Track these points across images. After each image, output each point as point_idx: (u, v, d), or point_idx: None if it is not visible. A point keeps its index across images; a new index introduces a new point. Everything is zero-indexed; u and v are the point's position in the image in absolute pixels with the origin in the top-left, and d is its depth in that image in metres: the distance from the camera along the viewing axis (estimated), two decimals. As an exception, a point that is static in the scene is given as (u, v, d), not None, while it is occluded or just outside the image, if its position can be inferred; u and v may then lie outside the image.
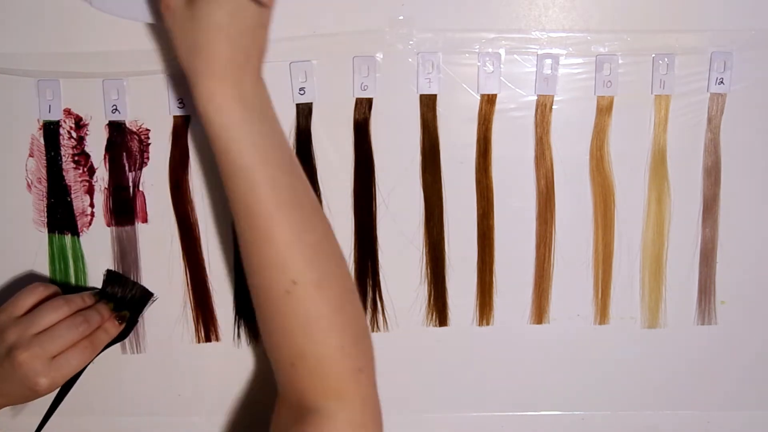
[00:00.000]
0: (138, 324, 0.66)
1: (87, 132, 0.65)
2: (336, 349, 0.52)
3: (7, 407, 0.60)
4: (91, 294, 0.62)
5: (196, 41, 0.50)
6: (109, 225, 0.66)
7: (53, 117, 0.64)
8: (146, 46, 0.62)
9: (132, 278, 0.66)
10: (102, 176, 0.65)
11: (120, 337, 0.62)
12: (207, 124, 0.51)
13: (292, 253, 0.51)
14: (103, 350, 0.60)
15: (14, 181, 0.65)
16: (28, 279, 0.66)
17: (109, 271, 0.64)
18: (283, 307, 0.52)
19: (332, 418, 0.52)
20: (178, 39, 0.52)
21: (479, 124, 0.63)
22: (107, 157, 0.65)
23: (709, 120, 0.63)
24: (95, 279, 0.66)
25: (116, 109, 0.64)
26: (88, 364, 0.59)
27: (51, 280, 0.66)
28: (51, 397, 0.61)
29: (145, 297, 0.65)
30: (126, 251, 0.66)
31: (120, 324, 0.61)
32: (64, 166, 0.65)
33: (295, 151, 0.64)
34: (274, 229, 0.51)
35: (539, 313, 0.66)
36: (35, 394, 0.57)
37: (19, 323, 0.57)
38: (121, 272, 0.65)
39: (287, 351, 0.53)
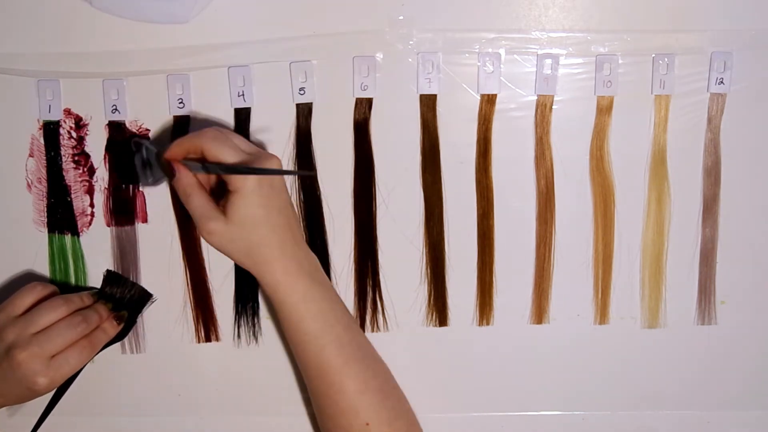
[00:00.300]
0: (137, 324, 0.66)
1: (87, 132, 0.65)
2: None
3: (5, 408, 0.60)
4: (90, 294, 0.62)
5: (250, 241, 0.56)
6: (109, 225, 0.66)
7: (53, 117, 0.64)
8: (146, 45, 0.62)
9: (131, 278, 0.66)
10: (102, 176, 0.65)
11: (118, 338, 0.62)
12: (278, 304, 0.58)
13: (363, 399, 0.58)
14: (101, 350, 0.60)
15: (14, 181, 0.65)
16: (28, 279, 0.66)
17: (108, 272, 0.64)
18: None
19: None
20: (231, 250, 0.57)
21: (479, 124, 0.64)
22: (107, 157, 0.65)
23: (709, 120, 0.63)
24: (95, 279, 0.66)
25: (116, 109, 0.64)
26: (86, 364, 0.59)
27: (50, 280, 0.66)
28: (47, 396, 0.61)
29: (143, 297, 0.65)
30: (126, 251, 0.66)
31: (118, 324, 0.61)
32: (64, 166, 0.65)
33: (295, 152, 0.64)
34: (345, 381, 0.58)
35: (539, 313, 0.66)
36: (33, 393, 0.57)
37: (18, 323, 0.57)
38: (120, 272, 0.65)
39: None
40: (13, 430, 0.67)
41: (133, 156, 0.60)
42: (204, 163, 0.55)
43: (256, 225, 0.55)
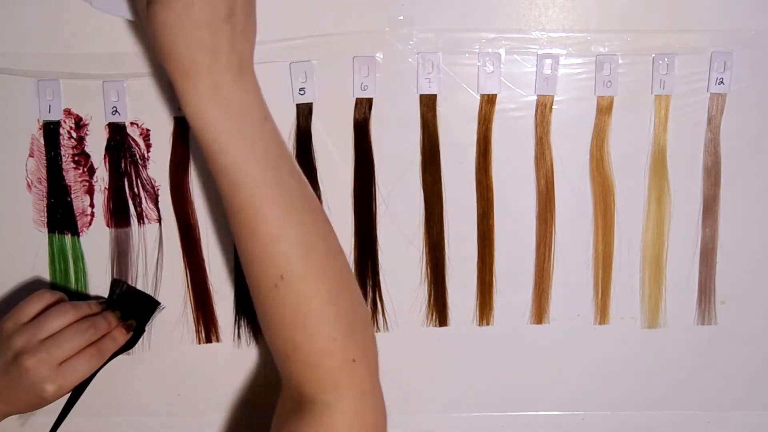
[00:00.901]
0: (145, 333, 0.66)
1: (87, 132, 0.65)
2: (327, 341, 0.52)
3: (15, 416, 0.60)
4: (98, 303, 0.62)
5: (158, 44, 0.50)
6: (108, 225, 0.66)
7: (53, 117, 0.64)
8: (146, 46, 0.62)
9: (132, 279, 0.66)
10: (102, 176, 0.65)
11: (127, 346, 0.62)
12: (189, 124, 0.51)
13: (278, 249, 0.52)
14: (110, 359, 0.60)
15: (14, 181, 0.65)
16: (28, 279, 0.66)
17: (114, 280, 0.64)
18: (272, 300, 0.52)
19: (330, 409, 0.53)
20: (151, 44, 0.51)
21: (479, 124, 0.63)
22: (107, 157, 0.65)
23: (709, 120, 0.63)
24: (95, 279, 0.66)
25: (116, 111, 0.64)
26: (96, 373, 0.59)
27: (53, 285, 0.66)
28: (59, 406, 0.61)
29: (151, 306, 0.65)
30: (126, 252, 0.66)
31: (127, 332, 0.61)
32: (64, 166, 0.65)
33: (295, 152, 0.64)
34: (259, 226, 0.51)
35: (539, 313, 0.66)
36: (42, 401, 0.57)
37: (26, 329, 0.57)
38: (126, 281, 0.65)
39: (281, 343, 0.53)
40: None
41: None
42: None
43: (163, 27, 0.49)
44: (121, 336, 0.61)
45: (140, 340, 0.65)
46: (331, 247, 0.55)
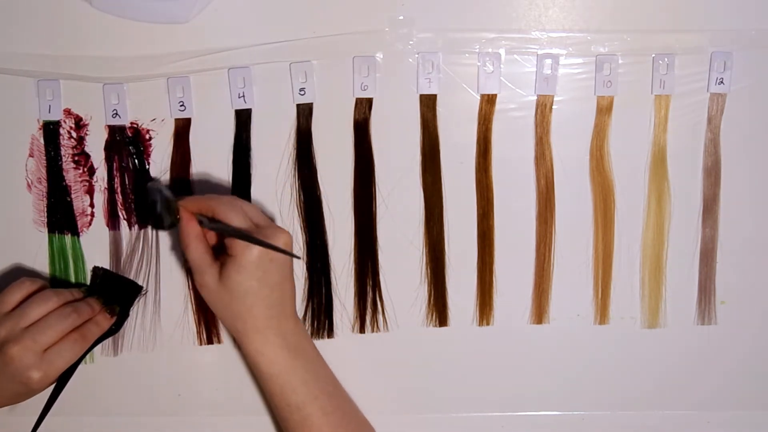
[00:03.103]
0: (129, 317, 0.66)
1: (87, 132, 0.65)
2: None
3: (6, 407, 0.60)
4: (80, 290, 0.62)
5: (235, 309, 0.57)
6: (108, 225, 0.66)
7: (53, 117, 0.64)
8: (146, 47, 0.62)
9: (126, 276, 0.66)
10: (102, 176, 0.65)
11: (111, 332, 0.62)
12: (258, 374, 0.59)
13: None
14: (95, 345, 0.60)
15: (14, 181, 0.65)
16: (26, 272, 0.66)
17: (95, 268, 0.64)
18: None
19: None
20: (217, 309, 0.58)
21: (479, 124, 0.64)
22: (107, 157, 0.65)
23: (709, 120, 0.63)
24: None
25: (117, 114, 0.64)
26: (82, 359, 0.59)
27: (51, 278, 0.66)
28: (46, 395, 0.61)
29: (134, 290, 0.65)
30: (126, 252, 0.66)
31: (111, 317, 0.61)
32: (64, 166, 0.65)
33: (295, 152, 0.64)
34: None
35: (539, 313, 0.66)
36: (28, 390, 0.57)
37: (9, 318, 0.57)
38: (107, 267, 0.65)
39: None
40: (14, 429, 0.67)
41: (151, 200, 0.59)
42: (211, 220, 0.56)
43: (245, 295, 0.56)
44: (104, 320, 0.61)
45: (124, 325, 0.65)
46: None
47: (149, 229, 0.65)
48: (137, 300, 0.65)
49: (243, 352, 0.59)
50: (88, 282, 0.66)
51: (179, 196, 0.58)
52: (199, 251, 0.57)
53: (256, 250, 0.55)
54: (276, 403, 0.59)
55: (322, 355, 0.62)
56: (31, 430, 0.62)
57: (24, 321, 0.57)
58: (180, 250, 0.64)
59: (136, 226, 0.66)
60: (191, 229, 0.57)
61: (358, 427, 0.62)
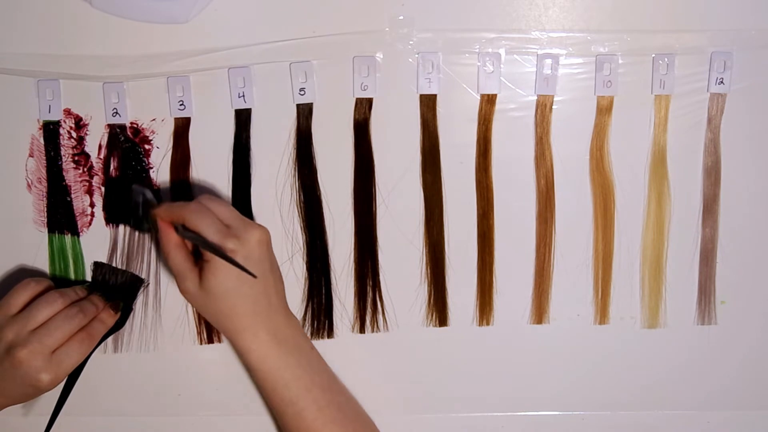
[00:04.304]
0: (134, 311, 0.66)
1: (87, 132, 0.65)
2: None
3: (20, 406, 0.60)
4: (83, 287, 0.62)
5: (219, 310, 0.57)
6: (109, 225, 0.66)
7: (53, 117, 0.64)
8: (146, 46, 0.62)
9: (126, 269, 0.66)
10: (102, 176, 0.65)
11: (116, 327, 0.62)
12: (251, 370, 0.59)
13: None
14: (101, 341, 0.60)
15: (14, 181, 0.65)
16: (29, 272, 0.66)
17: (95, 263, 0.64)
18: None
19: None
20: (203, 312, 0.59)
21: (479, 124, 0.64)
22: (107, 157, 0.65)
23: (709, 120, 0.63)
24: (95, 279, 0.66)
25: (117, 113, 0.64)
26: (89, 357, 0.59)
27: (52, 277, 0.66)
28: (57, 394, 0.61)
29: (136, 283, 0.65)
30: (126, 252, 0.66)
31: (115, 313, 0.61)
32: (64, 166, 0.65)
33: (295, 152, 0.64)
34: None
35: (539, 313, 0.66)
36: (38, 391, 0.57)
37: (15, 321, 0.57)
38: (107, 262, 0.65)
39: None
40: (27, 429, 0.67)
41: (134, 202, 0.60)
42: (184, 228, 0.56)
43: (226, 296, 0.56)
44: (109, 317, 0.61)
45: (129, 319, 0.65)
46: None
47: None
48: (140, 293, 0.65)
49: (235, 350, 0.59)
50: (89, 278, 0.66)
51: (159, 203, 0.59)
52: (178, 258, 0.57)
53: (231, 250, 0.55)
54: (270, 399, 0.59)
55: (317, 349, 0.62)
56: (44, 430, 0.62)
57: (31, 324, 0.57)
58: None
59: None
60: (169, 237, 0.57)
61: (356, 421, 0.62)
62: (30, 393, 0.58)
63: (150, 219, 0.58)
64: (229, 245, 0.55)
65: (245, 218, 0.58)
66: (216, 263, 0.55)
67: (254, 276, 0.55)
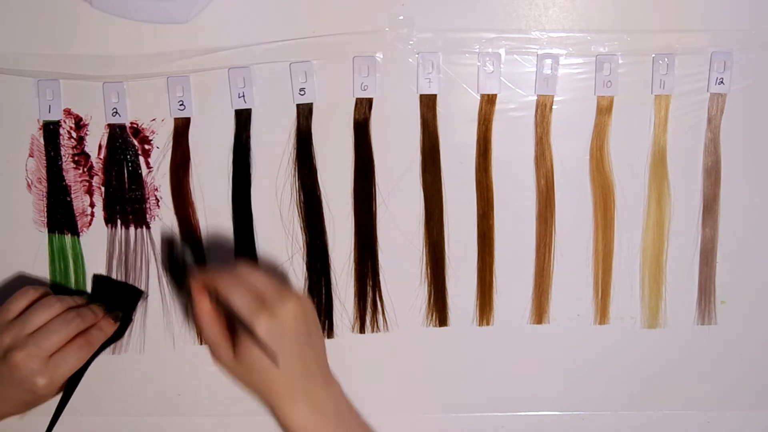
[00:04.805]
0: (134, 323, 0.66)
1: (87, 132, 0.65)
2: None
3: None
4: (82, 297, 0.62)
5: (256, 383, 0.55)
6: (108, 225, 0.66)
7: (53, 117, 0.64)
8: (146, 47, 0.62)
9: (129, 279, 0.66)
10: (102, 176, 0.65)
11: (116, 336, 0.62)
12: None
13: None
14: (101, 350, 0.60)
15: (14, 181, 0.65)
16: (28, 279, 0.66)
17: (95, 276, 0.64)
18: None
19: None
20: (239, 382, 0.56)
21: (479, 124, 0.63)
22: (107, 157, 0.65)
23: (709, 120, 0.63)
24: (95, 279, 0.66)
25: (116, 112, 0.64)
26: (88, 365, 0.59)
27: (52, 282, 0.66)
28: (54, 404, 0.61)
29: (135, 295, 0.65)
30: (126, 252, 0.66)
31: (114, 322, 0.61)
32: (64, 166, 0.65)
33: (295, 152, 0.64)
34: None
35: (539, 313, 0.66)
36: (35, 396, 0.57)
37: (13, 325, 0.57)
38: (107, 274, 0.65)
39: None
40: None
41: (174, 257, 0.61)
42: (218, 300, 0.55)
43: (261, 369, 0.54)
44: (108, 326, 0.61)
45: (128, 329, 0.65)
46: None
47: (146, 230, 0.65)
48: (139, 304, 0.65)
49: (275, 420, 0.56)
50: (89, 289, 0.66)
51: (194, 269, 0.58)
52: (212, 330, 0.55)
53: (262, 327, 0.52)
54: None
55: (356, 410, 0.59)
56: None
57: (28, 327, 0.57)
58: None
59: (138, 226, 0.65)
60: (203, 307, 0.55)
61: None
62: (28, 399, 0.57)
63: (185, 282, 0.57)
64: (262, 325, 0.52)
65: (283, 288, 0.55)
66: (249, 339, 0.53)
67: (275, 361, 0.53)
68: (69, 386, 0.60)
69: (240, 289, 0.54)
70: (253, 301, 0.53)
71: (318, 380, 0.56)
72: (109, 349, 0.66)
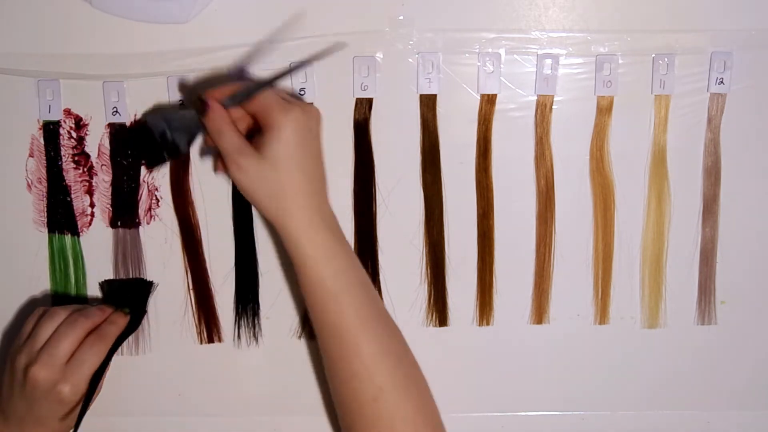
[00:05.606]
0: (146, 316, 0.65)
1: (87, 132, 0.65)
2: None
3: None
4: (90, 304, 0.62)
5: (277, 185, 0.54)
6: (108, 225, 0.66)
7: (53, 117, 0.64)
8: (146, 46, 0.62)
9: (131, 277, 0.66)
10: (103, 177, 0.65)
11: (131, 328, 0.62)
12: (300, 258, 0.55)
13: (379, 363, 0.55)
14: (117, 345, 0.60)
15: (14, 181, 0.65)
16: (28, 279, 0.66)
17: (100, 283, 0.65)
18: (371, 414, 0.55)
19: None
20: (258, 190, 0.54)
21: (479, 124, 0.63)
22: (107, 157, 0.65)
23: (709, 120, 0.63)
24: (95, 279, 0.66)
25: (116, 111, 0.64)
26: (109, 360, 0.59)
27: (53, 292, 0.66)
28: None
29: (145, 288, 0.65)
30: (127, 252, 0.66)
31: (125, 315, 0.61)
32: (64, 166, 0.65)
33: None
34: (361, 343, 0.55)
35: (539, 313, 0.66)
36: (65, 406, 0.57)
37: (25, 345, 0.58)
38: (112, 277, 0.65)
39: None
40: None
41: (160, 132, 0.57)
42: (233, 96, 0.54)
43: (289, 165, 0.53)
44: (120, 318, 0.61)
45: (143, 320, 0.64)
46: (412, 355, 0.59)
47: (149, 216, 0.65)
48: (151, 294, 0.65)
49: (283, 236, 0.55)
50: (90, 291, 0.66)
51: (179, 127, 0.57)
52: (233, 135, 0.54)
53: (293, 114, 0.53)
54: (313, 292, 0.56)
55: (349, 245, 0.59)
56: None
57: (38, 342, 0.57)
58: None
59: (138, 225, 0.65)
60: (220, 114, 0.54)
61: (389, 324, 0.58)
62: (60, 411, 0.57)
63: (194, 106, 0.56)
64: (296, 112, 0.53)
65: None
66: (282, 128, 0.53)
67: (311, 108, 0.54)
68: (92, 384, 0.59)
69: (269, 90, 0.55)
70: (282, 99, 0.54)
71: (326, 200, 0.57)
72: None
